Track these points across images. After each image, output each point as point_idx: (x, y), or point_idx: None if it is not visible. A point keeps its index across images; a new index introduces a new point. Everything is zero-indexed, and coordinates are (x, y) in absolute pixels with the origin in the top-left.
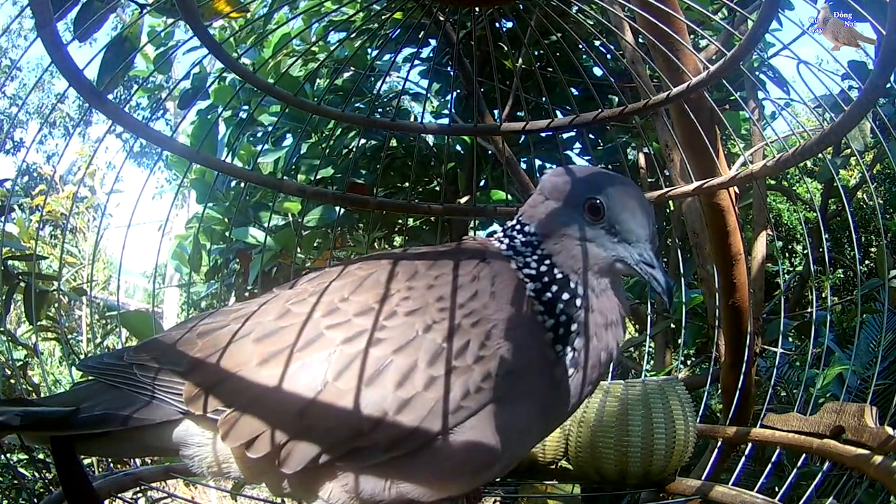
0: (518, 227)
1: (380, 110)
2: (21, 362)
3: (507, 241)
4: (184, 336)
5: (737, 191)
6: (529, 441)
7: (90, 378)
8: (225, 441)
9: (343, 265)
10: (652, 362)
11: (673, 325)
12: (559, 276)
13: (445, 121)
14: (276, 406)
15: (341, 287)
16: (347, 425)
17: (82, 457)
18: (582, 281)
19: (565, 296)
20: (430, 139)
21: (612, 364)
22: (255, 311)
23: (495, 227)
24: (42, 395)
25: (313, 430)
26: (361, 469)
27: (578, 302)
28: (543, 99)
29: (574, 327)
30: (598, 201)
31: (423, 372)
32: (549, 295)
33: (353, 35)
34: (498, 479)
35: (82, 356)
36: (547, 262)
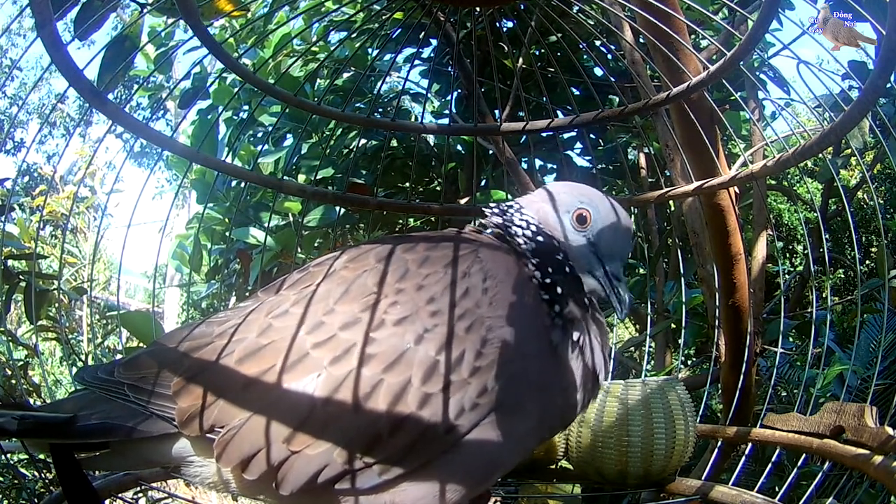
0: (517, 207)
1: (380, 110)
2: (21, 362)
3: (501, 220)
4: (171, 352)
5: (737, 191)
6: (531, 445)
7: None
8: (219, 463)
9: (331, 259)
10: (652, 362)
11: (673, 325)
12: (559, 257)
13: (445, 121)
14: (266, 430)
15: (326, 294)
16: (339, 450)
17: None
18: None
19: (564, 278)
20: (431, 139)
21: (610, 364)
22: (238, 324)
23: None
24: (43, 395)
25: (305, 455)
26: (360, 491)
27: (574, 289)
28: (544, 99)
29: (575, 311)
30: (586, 211)
31: (418, 390)
32: (550, 277)
33: (353, 35)
34: (498, 479)
35: (83, 356)
36: (545, 238)
